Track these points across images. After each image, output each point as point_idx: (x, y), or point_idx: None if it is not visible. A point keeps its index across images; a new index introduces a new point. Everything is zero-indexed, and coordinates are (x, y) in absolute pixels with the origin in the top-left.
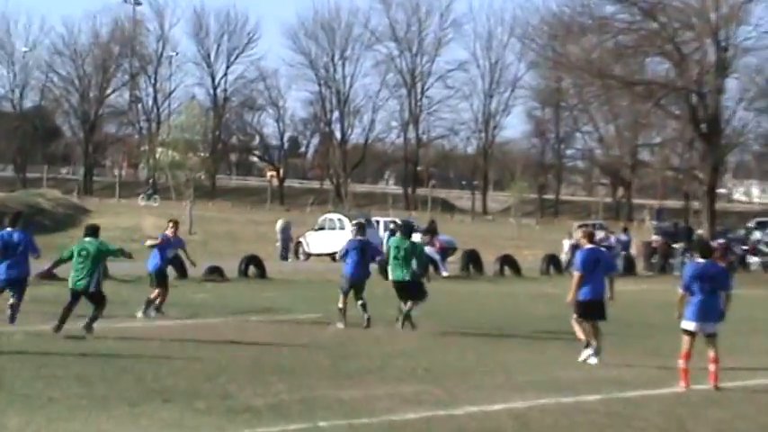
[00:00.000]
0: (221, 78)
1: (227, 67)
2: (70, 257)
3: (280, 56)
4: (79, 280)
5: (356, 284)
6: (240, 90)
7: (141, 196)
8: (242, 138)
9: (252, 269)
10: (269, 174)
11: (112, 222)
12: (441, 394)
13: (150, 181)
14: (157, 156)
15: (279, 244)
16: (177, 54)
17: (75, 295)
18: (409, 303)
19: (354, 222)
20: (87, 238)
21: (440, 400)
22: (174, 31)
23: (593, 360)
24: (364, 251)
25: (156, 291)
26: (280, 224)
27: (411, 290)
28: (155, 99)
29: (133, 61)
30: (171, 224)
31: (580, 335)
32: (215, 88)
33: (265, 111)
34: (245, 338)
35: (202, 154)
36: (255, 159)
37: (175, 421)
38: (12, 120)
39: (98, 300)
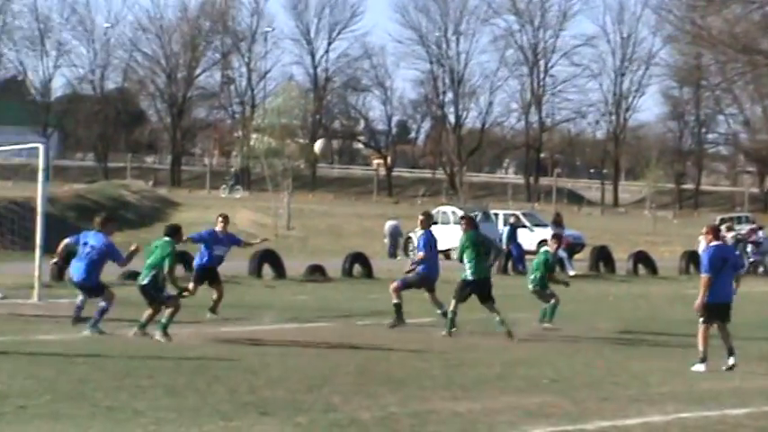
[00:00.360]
0: (322, 56)
1: (329, 44)
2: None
3: (387, 31)
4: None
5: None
6: (343, 69)
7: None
8: (345, 122)
9: (357, 268)
10: (375, 162)
11: (202, 216)
12: (568, 407)
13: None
14: (252, 142)
15: (387, 240)
16: (273, 30)
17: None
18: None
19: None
20: (163, 239)
21: (567, 414)
22: (269, 5)
23: (700, 368)
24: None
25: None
26: (388, 226)
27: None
28: (248, 80)
29: (225, 38)
30: (220, 219)
31: (701, 345)
32: (315, 67)
33: (371, 92)
34: (349, 344)
35: (301, 140)
36: (360, 146)
37: None
38: (92, 103)
39: (151, 299)
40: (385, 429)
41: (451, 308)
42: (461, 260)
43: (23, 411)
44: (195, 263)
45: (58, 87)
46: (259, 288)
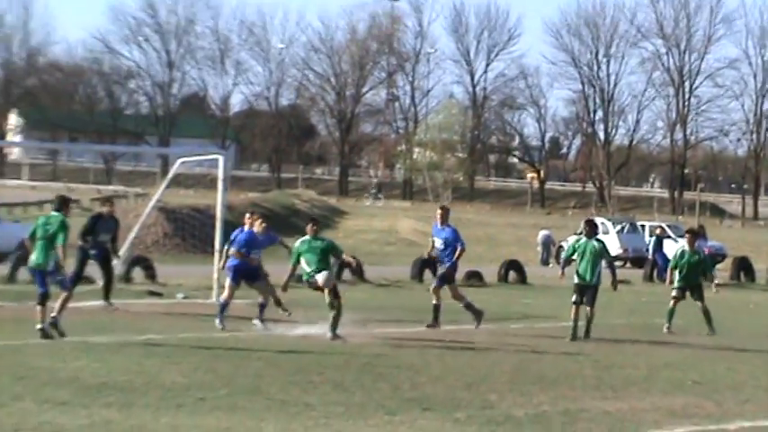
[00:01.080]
0: (481, 76)
1: (487, 65)
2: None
3: (541, 53)
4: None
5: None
6: (500, 88)
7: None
8: (501, 138)
9: (512, 274)
10: (529, 175)
11: (368, 224)
12: (711, 408)
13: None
14: (414, 156)
15: (540, 249)
16: (435, 51)
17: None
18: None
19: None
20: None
21: (710, 414)
22: (432, 28)
23: None
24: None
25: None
26: (541, 236)
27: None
28: (412, 97)
29: (390, 58)
30: (255, 219)
31: None
32: (474, 86)
33: (526, 110)
34: (504, 346)
35: (461, 155)
36: (515, 160)
37: (435, 431)
38: (267, 118)
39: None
40: (538, 426)
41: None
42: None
43: (202, 403)
44: (228, 264)
45: (236, 103)
46: (420, 292)
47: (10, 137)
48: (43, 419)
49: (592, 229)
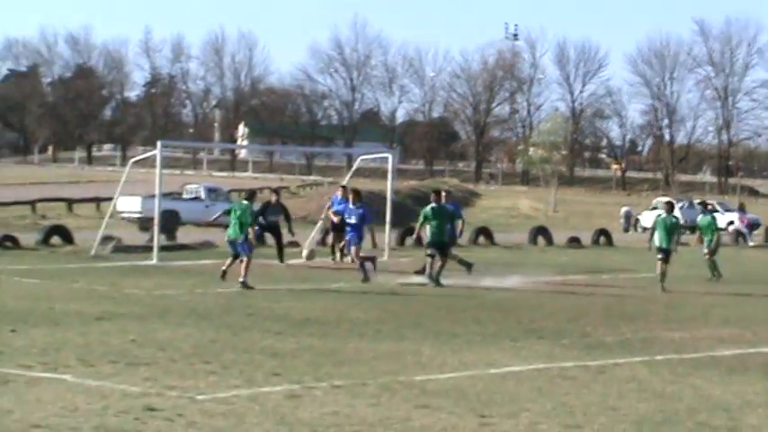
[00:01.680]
0: (578, 95)
1: (583, 86)
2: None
3: (623, 77)
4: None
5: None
6: (592, 104)
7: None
8: (593, 140)
9: (602, 239)
10: (614, 167)
11: (495, 203)
12: (749, 336)
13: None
14: (530, 153)
15: (622, 220)
16: (545, 77)
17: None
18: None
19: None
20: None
21: (750, 341)
22: (543, 59)
23: None
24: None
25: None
26: (623, 211)
27: (668, 255)
28: (528, 111)
29: (512, 82)
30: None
31: None
32: (573, 102)
33: (611, 119)
34: (598, 291)
35: (563, 152)
36: (603, 156)
37: (547, 353)
38: (423, 127)
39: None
40: (622, 350)
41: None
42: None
43: (378, 333)
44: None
45: (400, 116)
46: (535, 252)
47: (239, 142)
48: (265, 344)
49: (670, 207)
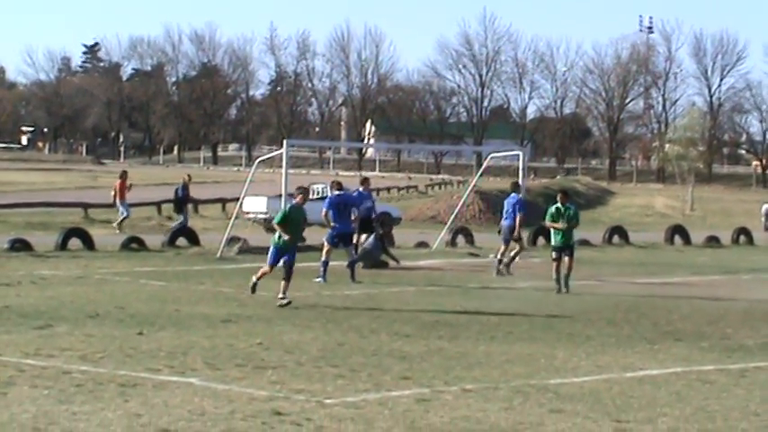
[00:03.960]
0: (716, 89)
1: (721, 80)
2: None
3: (763, 70)
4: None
5: None
6: (731, 98)
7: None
8: (732, 135)
9: (742, 238)
10: (754, 163)
11: (630, 201)
12: None
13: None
14: (665, 150)
15: (763, 218)
16: (681, 71)
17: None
18: None
19: None
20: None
21: None
22: (678, 53)
23: None
24: None
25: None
26: (764, 208)
27: None
28: (663, 106)
29: (646, 77)
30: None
31: None
32: (711, 96)
33: (751, 114)
34: (738, 292)
35: (701, 148)
36: (743, 152)
37: (684, 356)
38: (554, 123)
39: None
40: (765, 352)
41: None
42: None
43: (510, 335)
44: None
45: (531, 112)
46: (671, 252)
47: (366, 140)
48: (393, 347)
49: None
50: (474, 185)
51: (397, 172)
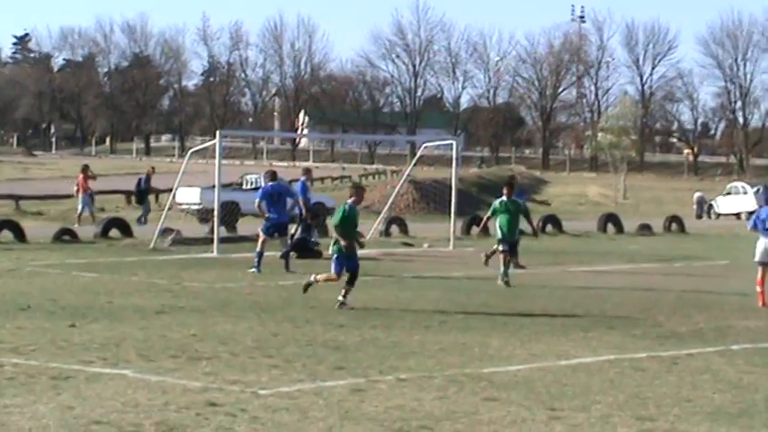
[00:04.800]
0: (647, 78)
1: (652, 69)
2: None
3: (693, 59)
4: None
5: None
6: (662, 87)
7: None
8: (663, 123)
9: (674, 226)
10: (685, 151)
11: (563, 190)
12: None
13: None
14: (598, 138)
15: (695, 206)
16: (613, 59)
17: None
18: None
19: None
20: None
21: None
22: (610, 42)
23: None
24: None
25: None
26: (695, 196)
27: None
28: (596, 95)
29: (579, 66)
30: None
31: None
32: (642, 85)
33: (682, 102)
34: (669, 280)
35: (633, 137)
36: (674, 140)
37: (617, 344)
38: (487, 113)
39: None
40: (696, 340)
41: None
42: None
43: (444, 324)
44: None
45: (464, 102)
46: (604, 240)
47: (300, 130)
48: (328, 337)
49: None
50: (408, 175)
51: (331, 162)
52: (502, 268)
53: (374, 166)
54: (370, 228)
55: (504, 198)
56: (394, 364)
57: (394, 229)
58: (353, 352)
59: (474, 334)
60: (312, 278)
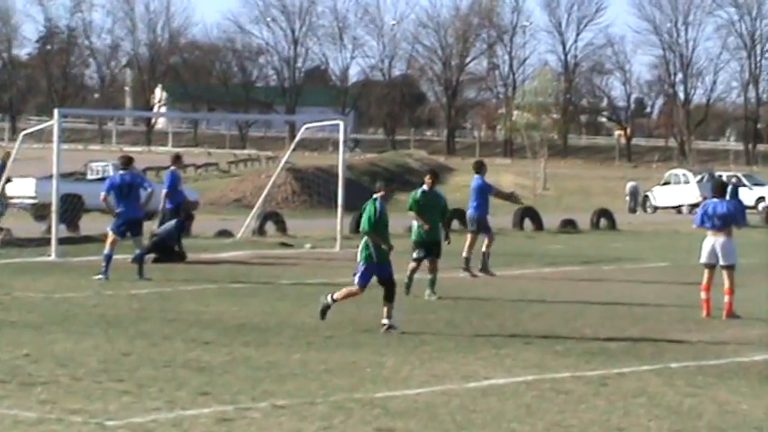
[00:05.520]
0: (571, 45)
1: (577, 35)
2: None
3: (626, 23)
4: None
5: None
6: (589, 56)
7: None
8: (591, 100)
9: (603, 221)
10: (617, 133)
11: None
12: None
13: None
14: (513, 118)
15: (628, 198)
16: (531, 24)
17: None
18: None
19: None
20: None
21: None
22: (527, 3)
23: None
24: None
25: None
26: (628, 186)
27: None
28: (510, 66)
29: (490, 31)
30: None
31: None
32: (566, 54)
33: (613, 74)
34: (598, 285)
35: (555, 116)
36: (604, 120)
37: (537, 362)
38: (382, 87)
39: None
40: (629, 356)
41: None
42: None
43: (330, 341)
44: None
45: (354, 74)
46: (520, 238)
47: (156, 109)
48: (190, 357)
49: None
50: (286, 162)
51: (194, 147)
52: (408, 276)
53: (246, 152)
54: (241, 225)
55: (426, 188)
56: (269, 389)
57: (270, 226)
58: (221, 374)
59: (365, 352)
60: (328, 299)
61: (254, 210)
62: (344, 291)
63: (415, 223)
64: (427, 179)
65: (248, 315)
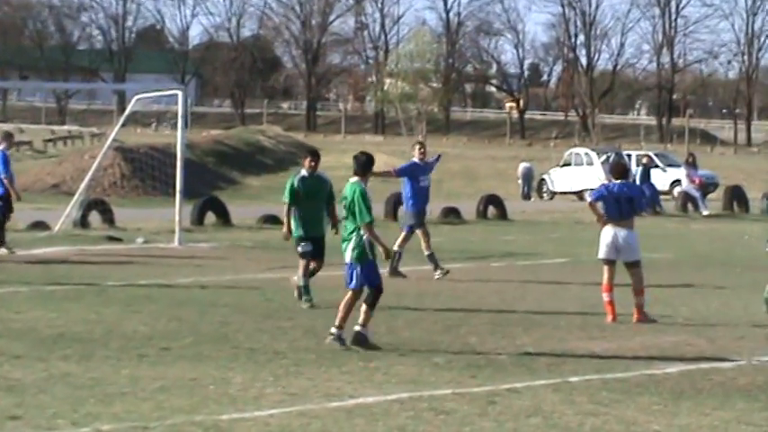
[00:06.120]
0: (454, 2)
1: None
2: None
3: None
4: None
5: None
6: (475, 13)
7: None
8: (477, 66)
9: (491, 210)
10: (508, 105)
11: (339, 161)
12: (703, 345)
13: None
14: (385, 87)
15: (520, 182)
16: None
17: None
18: None
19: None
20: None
21: (702, 352)
22: None
23: None
24: None
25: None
26: (521, 168)
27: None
28: (382, 25)
29: None
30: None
31: None
32: (447, 12)
33: (503, 36)
34: (486, 286)
35: (435, 85)
36: (493, 90)
37: (412, 377)
38: (229, 51)
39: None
40: (522, 369)
41: None
42: None
43: (166, 353)
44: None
45: (196, 36)
46: (394, 230)
47: None
48: None
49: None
50: (114, 140)
51: (2, 122)
52: (302, 280)
53: (66, 128)
54: (60, 215)
55: (305, 173)
56: (93, 411)
57: (95, 217)
58: (35, 394)
59: (209, 366)
60: (334, 330)
61: (76, 197)
62: (341, 307)
63: (294, 214)
64: (307, 162)
65: (68, 323)
